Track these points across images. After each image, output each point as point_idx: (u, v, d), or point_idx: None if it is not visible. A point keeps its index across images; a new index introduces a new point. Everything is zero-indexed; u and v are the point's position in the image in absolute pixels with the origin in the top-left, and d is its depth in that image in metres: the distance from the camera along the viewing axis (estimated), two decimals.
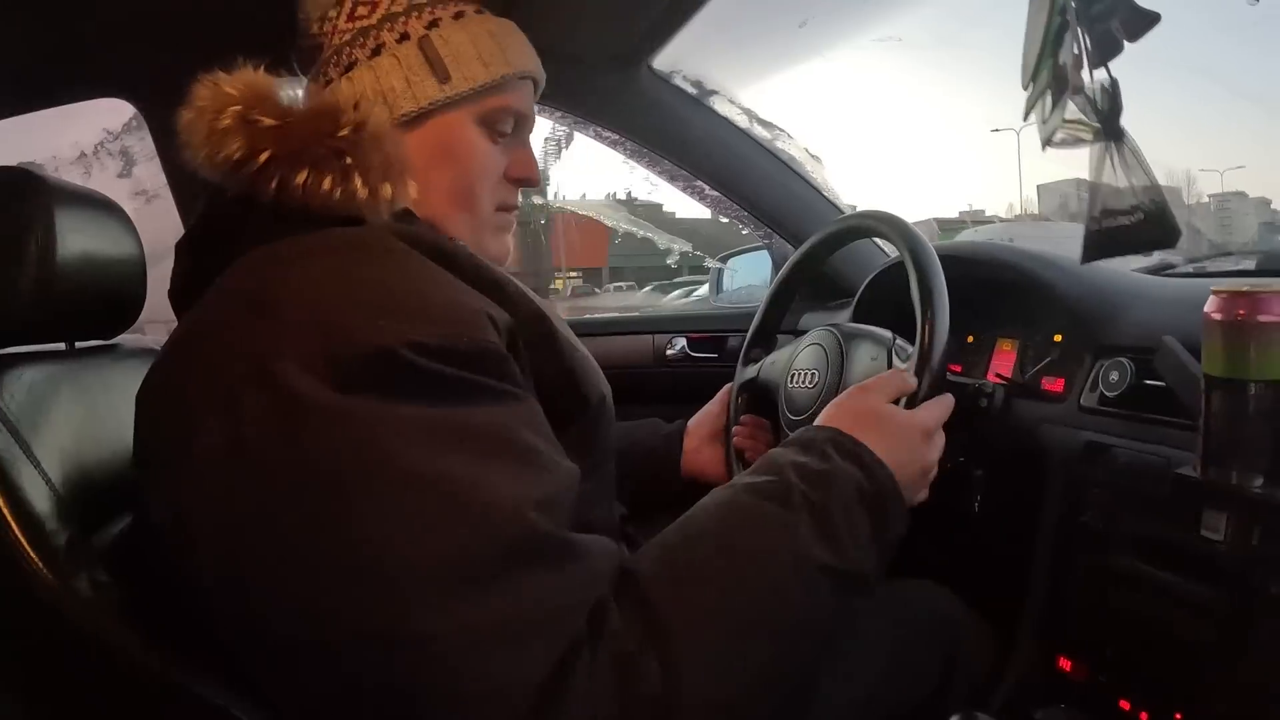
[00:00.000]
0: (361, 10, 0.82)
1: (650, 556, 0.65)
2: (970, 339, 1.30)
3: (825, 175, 1.73)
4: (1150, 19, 0.80)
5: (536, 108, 0.94)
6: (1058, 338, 1.14)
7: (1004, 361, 1.23)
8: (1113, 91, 0.85)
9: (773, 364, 1.24)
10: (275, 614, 0.56)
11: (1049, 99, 0.89)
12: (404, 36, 0.81)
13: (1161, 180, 0.88)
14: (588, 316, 2.19)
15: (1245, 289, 0.72)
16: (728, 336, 1.83)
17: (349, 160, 0.70)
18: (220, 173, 0.70)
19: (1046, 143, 0.91)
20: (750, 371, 1.28)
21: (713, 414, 1.27)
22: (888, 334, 1.09)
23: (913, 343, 0.97)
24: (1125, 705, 0.90)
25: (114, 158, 1.69)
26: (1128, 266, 1.34)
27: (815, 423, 0.83)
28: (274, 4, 0.86)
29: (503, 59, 0.84)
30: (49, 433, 0.80)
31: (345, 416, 0.55)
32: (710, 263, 2.21)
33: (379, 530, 0.53)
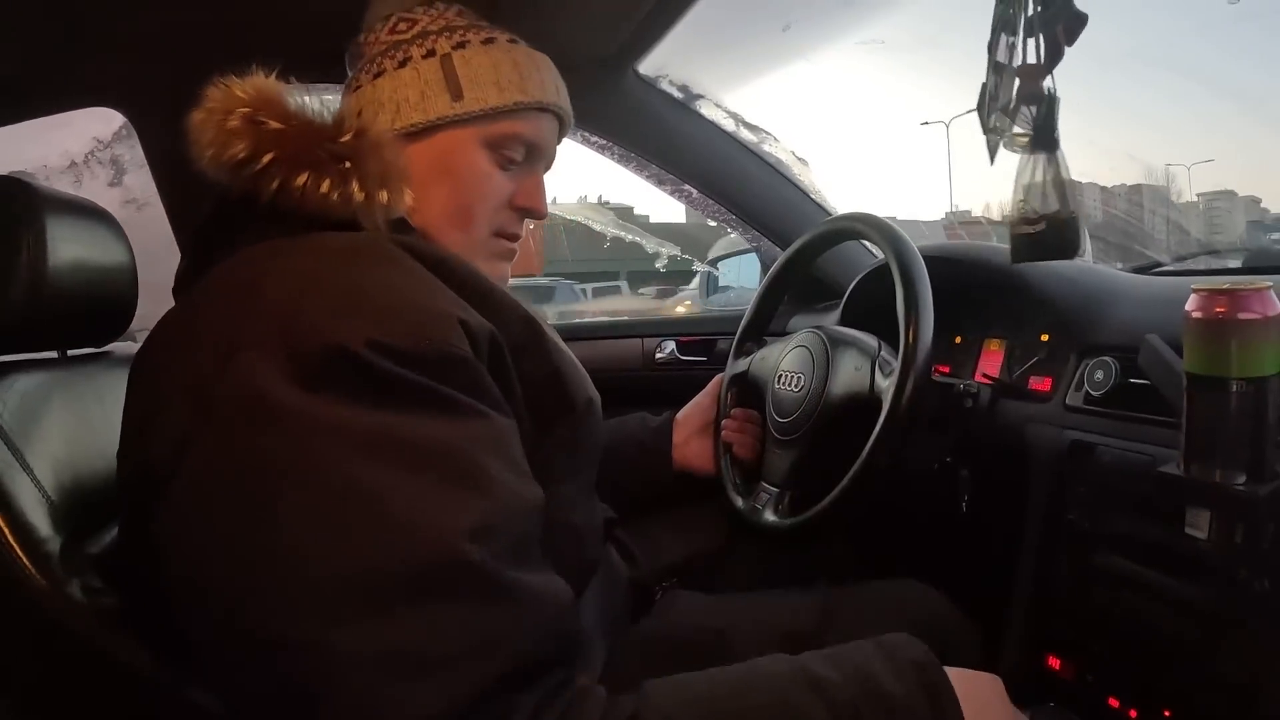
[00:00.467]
0: (401, 26, 0.86)
1: (670, 692, 0.61)
2: (958, 339, 1.30)
3: (812, 178, 1.73)
4: (1081, 20, 0.81)
5: None
6: (1044, 337, 1.14)
7: (991, 361, 1.23)
8: (1050, 101, 0.86)
9: (762, 360, 1.25)
10: (202, 604, 0.56)
11: (988, 109, 0.90)
12: (430, 53, 0.84)
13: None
14: (577, 320, 2.18)
15: (1225, 287, 0.72)
16: (717, 339, 1.83)
17: (348, 165, 0.71)
18: (225, 172, 0.71)
19: (993, 153, 0.93)
20: (741, 365, 1.29)
21: (703, 406, 1.28)
22: (874, 343, 1.10)
23: (898, 350, 0.97)
24: (1114, 703, 0.91)
25: (104, 166, 1.69)
26: (1115, 265, 1.34)
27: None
28: (264, 14, 0.87)
29: (519, 87, 0.85)
30: (41, 440, 0.80)
31: (290, 415, 0.55)
32: (699, 266, 2.21)
33: (297, 534, 0.53)
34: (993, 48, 0.89)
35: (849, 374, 1.08)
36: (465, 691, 0.52)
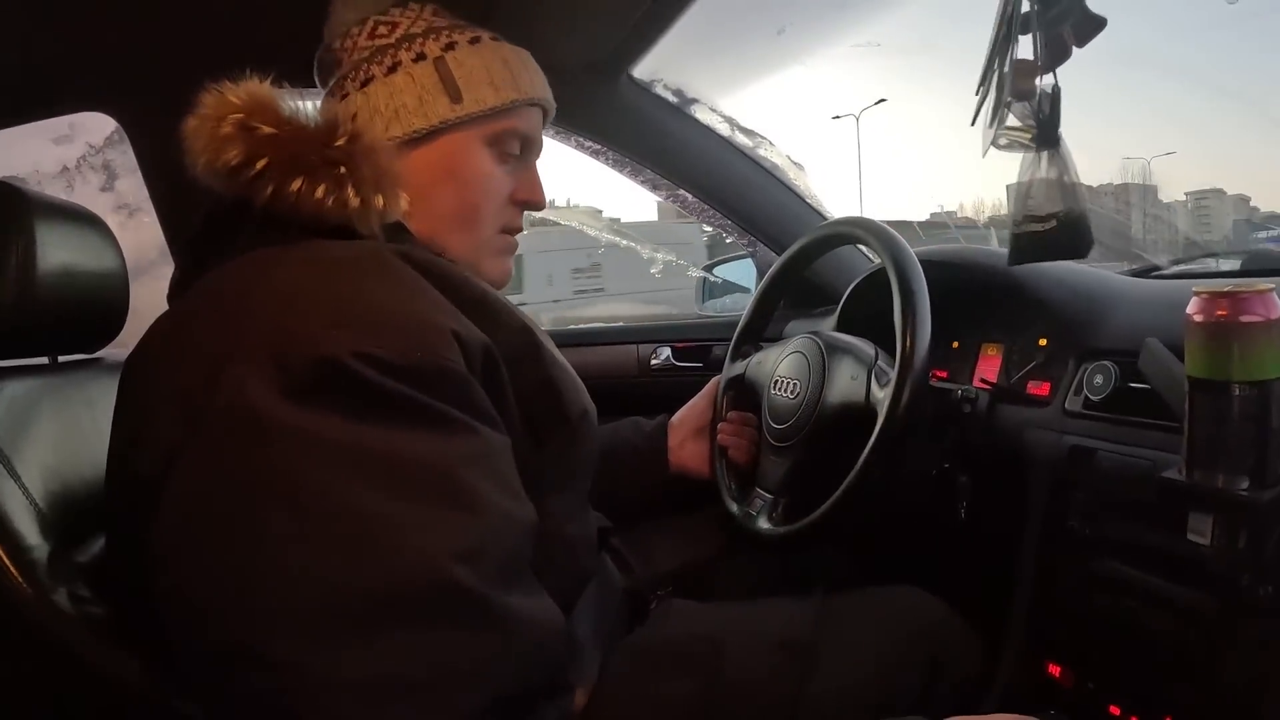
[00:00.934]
0: (382, 30, 0.86)
1: None
2: (955, 344, 1.30)
3: (808, 182, 1.73)
4: (1098, 23, 0.80)
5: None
6: (1042, 342, 1.13)
7: (989, 366, 1.22)
8: (1053, 98, 0.86)
9: (759, 364, 1.25)
10: (187, 616, 0.56)
11: (991, 106, 0.89)
12: (420, 56, 0.84)
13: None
14: (572, 327, 2.17)
15: (1227, 289, 0.71)
16: (712, 345, 1.82)
17: (343, 170, 0.71)
18: (219, 178, 0.70)
19: (985, 148, 0.92)
20: (738, 368, 1.28)
21: (699, 409, 1.28)
22: (870, 351, 1.09)
23: (895, 357, 0.97)
24: (1115, 711, 0.90)
25: (96, 171, 1.69)
26: (1113, 268, 1.34)
27: None
28: (257, 19, 0.86)
29: (513, 84, 0.86)
30: (30, 447, 0.80)
31: (279, 431, 0.54)
32: (695, 272, 2.20)
33: (283, 553, 0.52)
34: (996, 43, 0.88)
35: (845, 383, 1.08)
36: None
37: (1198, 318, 0.73)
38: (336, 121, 0.73)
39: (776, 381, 1.17)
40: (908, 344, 0.96)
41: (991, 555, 1.08)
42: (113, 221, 0.98)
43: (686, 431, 1.26)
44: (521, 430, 0.70)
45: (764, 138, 1.68)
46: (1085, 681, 0.94)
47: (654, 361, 1.87)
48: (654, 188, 1.71)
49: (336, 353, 0.56)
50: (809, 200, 1.73)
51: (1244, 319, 0.70)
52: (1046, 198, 0.91)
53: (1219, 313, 0.71)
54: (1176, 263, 1.42)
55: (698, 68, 1.52)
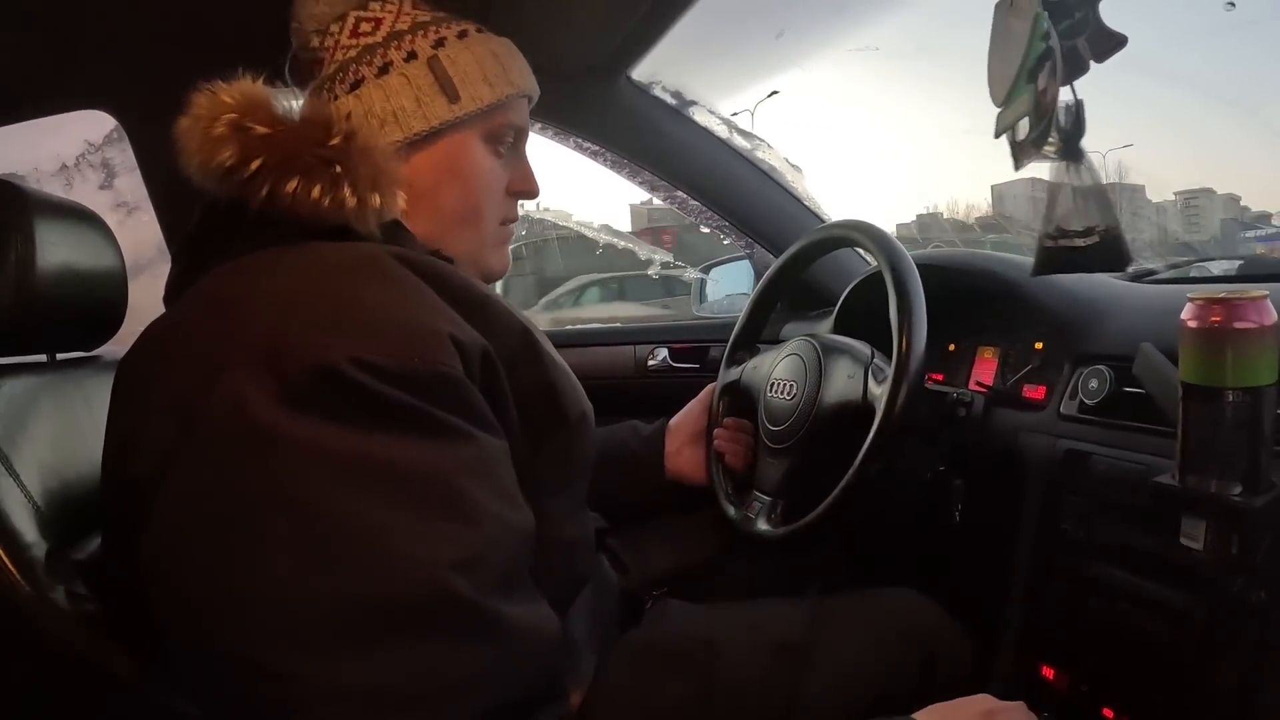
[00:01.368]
0: (366, 26, 0.83)
1: None
2: (952, 347, 1.30)
3: (806, 185, 1.73)
4: (1118, 40, 0.80)
5: None
6: (1038, 345, 1.14)
7: (985, 369, 1.23)
8: (1076, 112, 0.85)
9: (755, 369, 1.25)
10: (183, 620, 0.56)
11: (1026, 123, 0.89)
12: (412, 55, 0.82)
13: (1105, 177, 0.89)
14: (569, 328, 2.18)
15: (1221, 295, 0.72)
16: (710, 347, 1.83)
17: (338, 169, 0.70)
18: (213, 180, 0.70)
19: (1019, 165, 0.92)
20: (734, 374, 1.28)
21: (694, 414, 1.28)
22: (866, 350, 1.09)
23: (891, 358, 0.97)
24: (1108, 713, 0.90)
25: (95, 169, 1.69)
26: (1108, 273, 1.34)
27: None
28: (256, 17, 0.86)
29: (505, 79, 0.86)
30: (28, 445, 0.80)
31: (275, 439, 0.54)
32: (692, 273, 2.21)
33: (279, 563, 0.52)
34: (1029, 63, 0.88)
35: (842, 381, 1.08)
36: None
37: (1192, 323, 0.73)
38: (331, 120, 0.72)
39: (773, 384, 1.17)
40: (904, 338, 0.97)
41: (986, 558, 1.08)
42: (111, 219, 0.98)
43: (683, 437, 1.26)
44: (520, 432, 0.70)
45: (762, 140, 1.68)
46: (1079, 684, 0.94)
47: (651, 362, 1.87)
48: (652, 189, 1.72)
49: (333, 359, 0.55)
50: (806, 203, 1.74)
51: (1238, 325, 0.71)
52: (1079, 211, 0.91)
53: (1213, 319, 0.72)
54: (1172, 266, 1.42)
55: (697, 70, 1.52)
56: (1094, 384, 0.99)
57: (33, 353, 0.92)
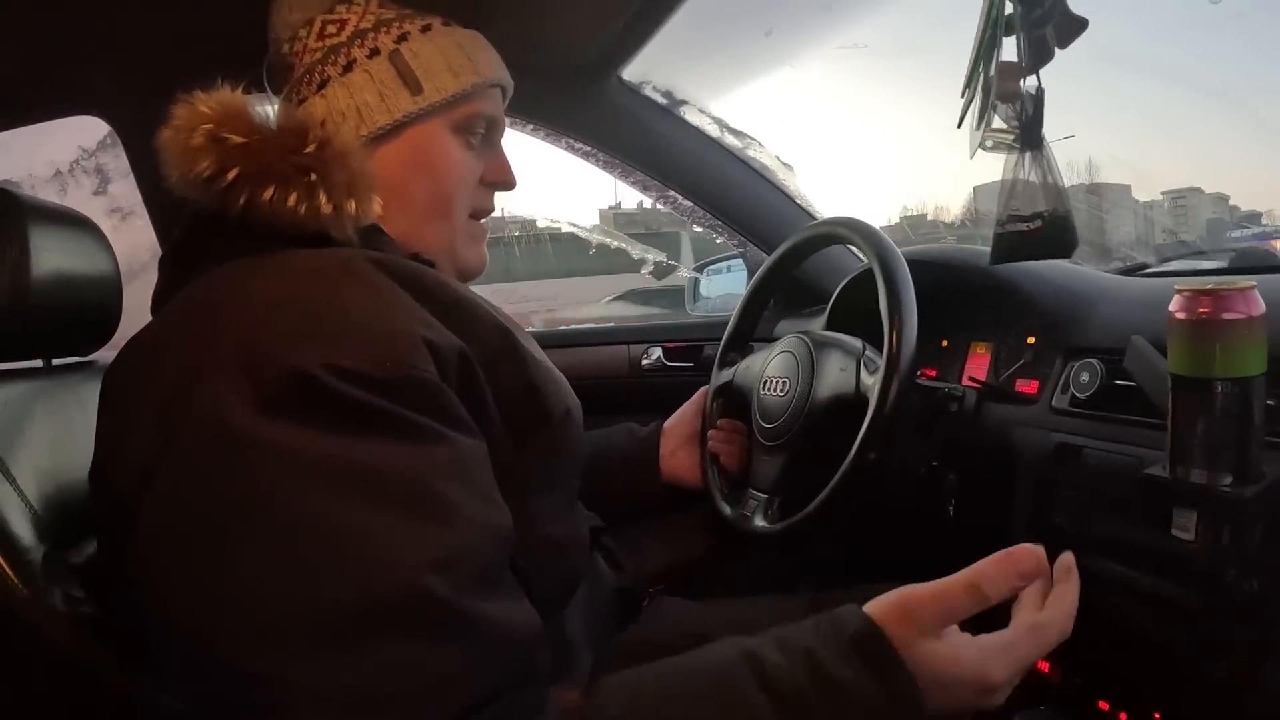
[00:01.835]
0: (331, 29, 0.84)
1: (618, 699, 0.59)
2: (945, 343, 1.30)
3: (797, 183, 1.73)
4: (1080, 25, 0.81)
5: (507, 121, 0.95)
6: (1030, 340, 1.14)
7: (978, 364, 1.23)
8: (1037, 99, 0.86)
9: (747, 369, 1.25)
10: (169, 627, 0.56)
11: (977, 108, 0.90)
12: (375, 52, 0.83)
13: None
14: (563, 328, 2.18)
15: (1209, 287, 0.72)
16: (704, 345, 1.83)
17: (314, 176, 0.71)
18: (194, 190, 0.70)
19: (972, 153, 0.93)
20: (725, 375, 1.28)
21: (688, 416, 1.28)
22: (858, 343, 1.09)
23: (883, 350, 0.97)
24: (1104, 706, 0.91)
25: (89, 175, 1.68)
26: (1101, 267, 1.35)
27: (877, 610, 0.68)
28: (247, 23, 0.86)
29: (471, 68, 0.85)
30: (25, 450, 0.80)
31: (251, 445, 0.54)
32: (685, 272, 2.21)
33: (257, 568, 0.52)
34: (981, 45, 0.89)
35: (834, 374, 1.08)
36: None
37: (1180, 315, 0.73)
38: (305, 128, 0.73)
39: (766, 381, 1.17)
40: (894, 326, 0.97)
41: (979, 552, 1.08)
42: (106, 225, 0.98)
43: (677, 440, 1.26)
44: (502, 433, 0.70)
45: (753, 139, 1.69)
46: (1074, 677, 0.95)
47: (645, 362, 1.87)
48: (644, 189, 1.72)
49: (307, 365, 0.56)
50: (798, 201, 1.74)
51: (1226, 316, 0.71)
52: (1030, 198, 0.92)
53: (1201, 310, 0.72)
54: (1164, 260, 1.43)
55: (687, 69, 1.52)
56: (1085, 377, 0.99)
57: (28, 359, 0.92)
